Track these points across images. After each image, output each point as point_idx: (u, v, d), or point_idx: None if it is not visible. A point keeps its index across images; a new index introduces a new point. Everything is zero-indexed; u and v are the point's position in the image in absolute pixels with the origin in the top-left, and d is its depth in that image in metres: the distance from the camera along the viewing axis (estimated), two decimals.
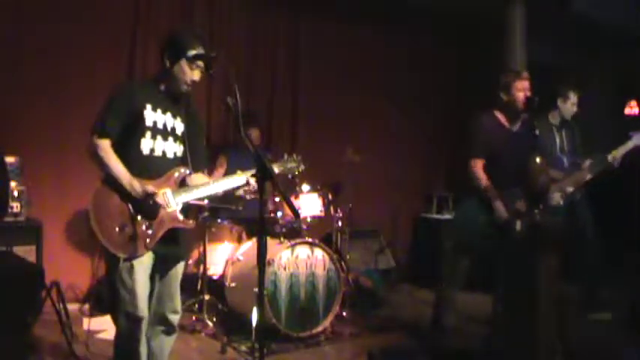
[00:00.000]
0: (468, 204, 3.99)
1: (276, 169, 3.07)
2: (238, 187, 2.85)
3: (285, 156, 3.18)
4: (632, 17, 6.29)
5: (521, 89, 3.88)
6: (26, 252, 4.10)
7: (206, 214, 4.46)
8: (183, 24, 5.23)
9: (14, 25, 4.64)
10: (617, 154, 4.48)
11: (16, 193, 4.19)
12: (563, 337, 3.47)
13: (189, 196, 2.76)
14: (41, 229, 4.29)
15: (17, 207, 4.19)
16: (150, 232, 2.63)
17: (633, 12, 6.17)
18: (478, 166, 3.87)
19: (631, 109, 7.77)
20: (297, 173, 3.21)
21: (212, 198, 4.56)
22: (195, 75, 2.74)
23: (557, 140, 4.64)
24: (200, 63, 2.73)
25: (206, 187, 2.81)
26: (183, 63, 2.71)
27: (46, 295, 3.62)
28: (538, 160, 3.33)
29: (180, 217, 2.73)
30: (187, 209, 2.81)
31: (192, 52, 2.70)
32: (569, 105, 4.64)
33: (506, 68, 6.04)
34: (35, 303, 3.53)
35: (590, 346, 4.01)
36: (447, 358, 3.85)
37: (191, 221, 2.78)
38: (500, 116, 4.01)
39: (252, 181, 2.75)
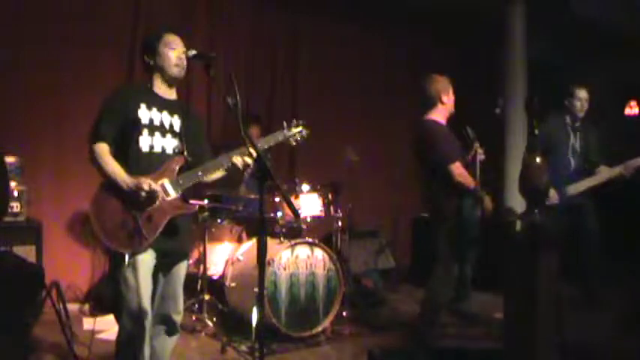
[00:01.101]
0: (462, 203, 3.97)
1: (280, 138, 3.01)
2: (234, 166, 2.81)
3: (285, 124, 3.05)
4: (632, 17, 6.29)
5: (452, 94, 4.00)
6: (26, 252, 4.10)
7: (206, 214, 4.45)
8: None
9: (14, 25, 4.65)
10: (632, 165, 4.46)
11: (16, 193, 4.19)
12: (561, 336, 3.47)
13: (188, 181, 2.76)
14: (41, 229, 4.30)
15: (17, 207, 4.20)
16: (151, 224, 2.64)
17: (633, 12, 6.16)
18: (461, 168, 3.83)
19: (631, 109, 7.78)
20: (300, 138, 3.07)
21: (212, 197, 4.57)
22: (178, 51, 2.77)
23: (571, 140, 4.61)
24: (173, 40, 2.77)
25: (203, 168, 2.80)
26: (160, 48, 2.76)
27: (46, 295, 3.61)
28: (538, 159, 3.32)
29: (181, 203, 2.74)
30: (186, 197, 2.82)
31: (162, 34, 2.77)
32: (579, 103, 4.61)
33: (505, 67, 6.07)
34: (35, 303, 3.53)
35: (590, 345, 4.01)
36: (446, 358, 3.84)
37: (193, 203, 2.80)
38: (442, 120, 4.00)
39: (238, 160, 2.76)
